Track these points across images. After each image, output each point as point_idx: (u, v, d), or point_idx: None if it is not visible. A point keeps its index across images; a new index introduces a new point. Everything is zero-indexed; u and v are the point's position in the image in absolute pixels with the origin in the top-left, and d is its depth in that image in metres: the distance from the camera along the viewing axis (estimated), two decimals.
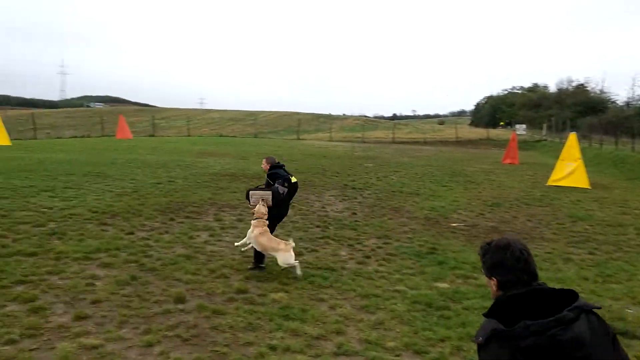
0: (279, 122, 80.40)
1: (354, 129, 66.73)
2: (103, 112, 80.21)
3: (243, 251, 6.89)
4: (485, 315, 1.99)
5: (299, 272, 6.31)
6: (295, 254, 6.39)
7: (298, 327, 4.81)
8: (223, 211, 10.49)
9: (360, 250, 8.04)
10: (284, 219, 7.53)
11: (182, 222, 9.29)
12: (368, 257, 7.62)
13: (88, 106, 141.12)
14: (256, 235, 6.36)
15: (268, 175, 7.04)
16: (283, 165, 7.17)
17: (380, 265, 7.24)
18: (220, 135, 52.15)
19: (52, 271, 6.12)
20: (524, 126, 55.38)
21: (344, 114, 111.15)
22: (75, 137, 43.94)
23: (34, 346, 4.19)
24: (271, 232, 6.67)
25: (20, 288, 5.51)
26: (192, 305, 5.25)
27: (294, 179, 7.02)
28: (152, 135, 48.68)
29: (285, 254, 6.25)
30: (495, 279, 2.07)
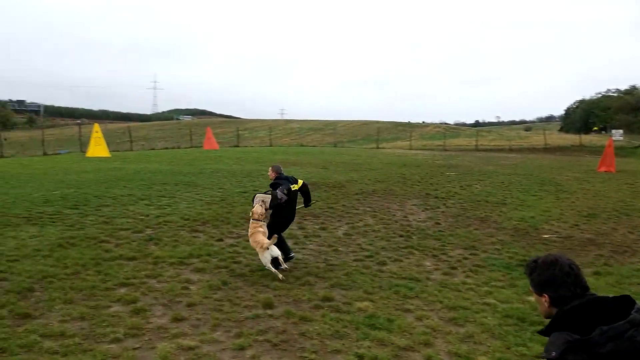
0: (358, 131, 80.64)
1: (435, 136, 65.49)
2: (191, 124, 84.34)
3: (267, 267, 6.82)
4: (548, 330, 2.01)
5: (283, 266, 6.68)
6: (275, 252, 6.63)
7: (385, 337, 4.78)
8: (306, 219, 10.66)
9: (446, 260, 7.86)
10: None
11: None
12: (454, 268, 7.44)
13: (178, 119, 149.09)
14: (252, 237, 6.86)
15: (271, 185, 7.50)
16: (287, 177, 7.63)
17: (468, 276, 7.03)
18: (301, 145, 53.12)
19: (151, 275, 6.52)
20: (620, 131, 51.59)
21: (423, 122, 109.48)
22: (167, 148, 46.54)
23: (137, 345, 4.47)
24: (279, 235, 7.07)
25: (123, 290, 5.92)
26: (280, 311, 5.38)
27: (298, 185, 7.52)
28: (237, 146, 50.52)
29: (262, 256, 6.61)
30: (547, 296, 2.09)
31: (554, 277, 2.06)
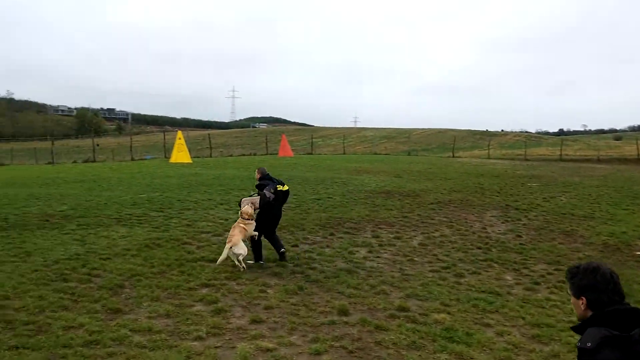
0: (432, 139, 79.25)
1: (514, 145, 62.98)
2: (267, 132, 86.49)
3: (218, 264, 7.31)
4: (584, 326, 2.19)
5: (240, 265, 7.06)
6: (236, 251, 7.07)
7: (463, 351, 4.64)
8: (380, 228, 10.61)
9: (528, 275, 7.52)
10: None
11: (341, 237, 9.59)
12: (537, 283, 7.10)
13: (254, 126, 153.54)
14: (233, 230, 7.33)
15: (257, 185, 8.06)
16: (272, 178, 8.14)
17: (552, 293, 6.69)
18: (374, 153, 52.93)
19: (230, 277, 6.74)
20: None
21: (502, 130, 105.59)
22: (244, 155, 47.98)
23: (218, 344, 4.64)
24: (272, 232, 7.83)
25: (204, 290, 6.17)
26: (355, 318, 5.38)
27: (284, 188, 7.96)
28: (310, 153, 51.16)
29: (230, 248, 7.08)
30: (584, 299, 2.23)
31: (595, 283, 2.20)
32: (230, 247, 7.06)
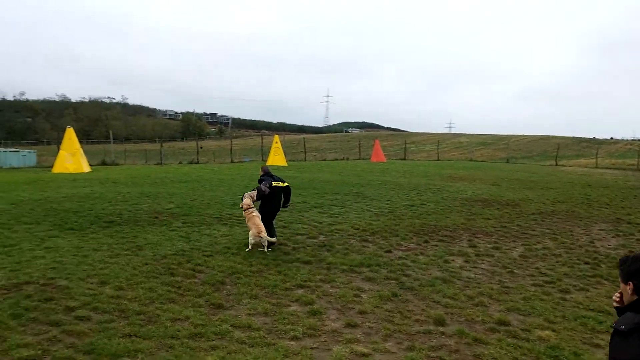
0: (533, 147, 75.15)
1: (626, 154, 58.01)
2: (360, 137, 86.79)
3: (249, 250, 8.35)
4: (625, 309, 2.27)
5: (265, 249, 8.28)
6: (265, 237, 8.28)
7: None
8: (477, 237, 10.23)
9: None
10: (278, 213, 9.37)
11: (436, 245, 9.37)
12: None
13: (347, 131, 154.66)
14: (248, 222, 8.62)
15: (258, 180, 9.33)
16: (272, 175, 9.28)
17: None
18: (470, 160, 51.22)
19: (325, 279, 6.83)
20: None
21: (612, 138, 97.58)
22: (337, 159, 48.48)
23: (314, 345, 4.71)
24: (269, 222, 8.88)
25: (300, 291, 6.30)
26: (452, 329, 5.23)
27: (283, 184, 9.16)
28: (403, 159, 50.59)
29: (251, 235, 8.35)
30: (631, 284, 2.27)
31: None
32: (254, 235, 8.28)
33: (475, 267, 7.98)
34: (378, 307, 5.82)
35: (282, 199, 9.28)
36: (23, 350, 4.30)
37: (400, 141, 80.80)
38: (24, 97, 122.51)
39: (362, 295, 6.23)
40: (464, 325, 5.36)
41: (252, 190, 9.17)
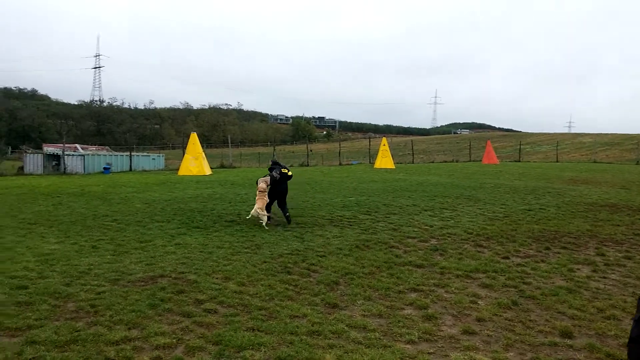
0: None
1: None
2: (470, 138, 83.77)
3: (248, 218, 11.24)
4: None
5: (264, 224, 10.60)
6: (262, 213, 10.68)
7: None
8: (605, 245, 9.45)
9: None
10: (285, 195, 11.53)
11: (558, 253, 8.80)
12: None
13: (455, 133, 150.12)
14: (257, 200, 10.90)
15: (269, 169, 11.67)
16: (279, 164, 11.79)
17: None
18: (593, 162, 47.34)
19: (439, 284, 6.71)
20: None
21: None
22: (445, 161, 47.27)
23: (430, 350, 4.66)
24: (280, 203, 11.39)
25: (413, 295, 6.25)
26: (581, 342, 4.89)
27: (289, 172, 11.65)
28: (518, 161, 48.06)
29: (255, 209, 10.75)
30: None
31: None
32: (257, 209, 10.67)
33: (604, 278, 7.37)
34: (497, 314, 5.60)
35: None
36: (160, 338, 4.72)
37: (513, 142, 76.85)
38: (152, 106, 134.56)
39: (479, 302, 6.03)
40: (594, 339, 4.98)
41: (265, 177, 11.31)
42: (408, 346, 4.73)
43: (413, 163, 46.06)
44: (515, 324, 5.34)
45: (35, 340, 4.59)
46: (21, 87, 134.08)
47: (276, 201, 11.44)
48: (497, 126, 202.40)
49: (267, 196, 11.00)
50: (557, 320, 5.45)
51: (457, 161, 47.09)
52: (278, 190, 11.31)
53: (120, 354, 4.34)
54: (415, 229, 10.59)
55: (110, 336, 4.70)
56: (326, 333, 4.93)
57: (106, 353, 4.35)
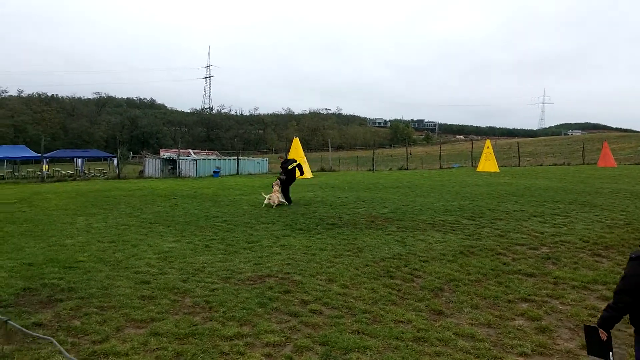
0: None
1: None
2: (583, 140, 77.99)
3: (265, 205, 14.84)
4: None
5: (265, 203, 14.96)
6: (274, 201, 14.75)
7: None
8: None
9: None
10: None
11: None
12: None
13: (566, 134, 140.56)
14: (274, 191, 15.20)
15: (280, 166, 16.18)
16: (288, 160, 16.37)
17: None
18: None
19: (552, 295, 6.33)
20: None
21: None
22: (555, 164, 44.44)
23: None
24: (286, 190, 15.57)
25: (524, 305, 5.95)
26: None
27: (290, 167, 15.73)
28: (639, 163, 43.98)
29: (270, 199, 14.93)
30: None
31: None
32: (269, 198, 14.98)
33: None
34: (619, 330, 5.17)
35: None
36: (270, 336, 4.92)
37: (634, 143, 70.46)
38: (257, 112, 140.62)
39: (598, 316, 5.60)
40: None
41: (276, 181, 15.69)
42: (520, 358, 4.53)
43: (519, 166, 43.76)
44: None
45: (158, 332, 4.98)
46: (142, 97, 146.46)
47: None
48: (614, 126, 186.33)
49: (280, 189, 15.43)
50: None
51: (568, 164, 44.03)
52: (287, 180, 15.65)
53: (234, 349, 4.58)
54: (524, 236, 10.07)
55: (224, 331, 4.99)
56: (432, 340, 4.85)
57: (221, 347, 4.62)
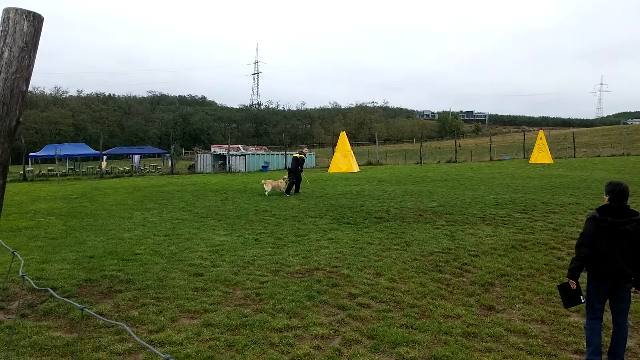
0: None
1: None
2: None
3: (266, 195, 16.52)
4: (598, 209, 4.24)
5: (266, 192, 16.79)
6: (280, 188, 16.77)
7: None
8: None
9: None
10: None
11: None
12: None
13: (625, 123, 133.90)
14: (281, 182, 17.30)
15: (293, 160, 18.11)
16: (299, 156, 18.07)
17: None
18: None
19: None
20: None
21: None
22: (614, 155, 42.51)
23: None
24: (296, 183, 17.32)
25: None
26: None
27: (295, 155, 18.08)
28: None
29: (276, 187, 17.12)
30: (607, 197, 4.28)
31: (611, 189, 4.33)
32: (272, 187, 16.91)
33: None
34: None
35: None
36: (318, 328, 4.99)
37: None
38: (304, 107, 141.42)
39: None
40: None
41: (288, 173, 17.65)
42: (575, 356, 4.41)
43: (574, 157, 42.07)
44: None
45: (211, 323, 5.15)
46: (193, 94, 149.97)
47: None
48: None
49: (284, 181, 17.38)
50: None
51: (628, 155, 41.93)
52: (291, 175, 17.38)
53: (284, 341, 4.68)
54: (580, 230, 9.70)
55: (274, 323, 5.10)
56: (483, 336, 4.79)
57: (271, 339, 4.73)
